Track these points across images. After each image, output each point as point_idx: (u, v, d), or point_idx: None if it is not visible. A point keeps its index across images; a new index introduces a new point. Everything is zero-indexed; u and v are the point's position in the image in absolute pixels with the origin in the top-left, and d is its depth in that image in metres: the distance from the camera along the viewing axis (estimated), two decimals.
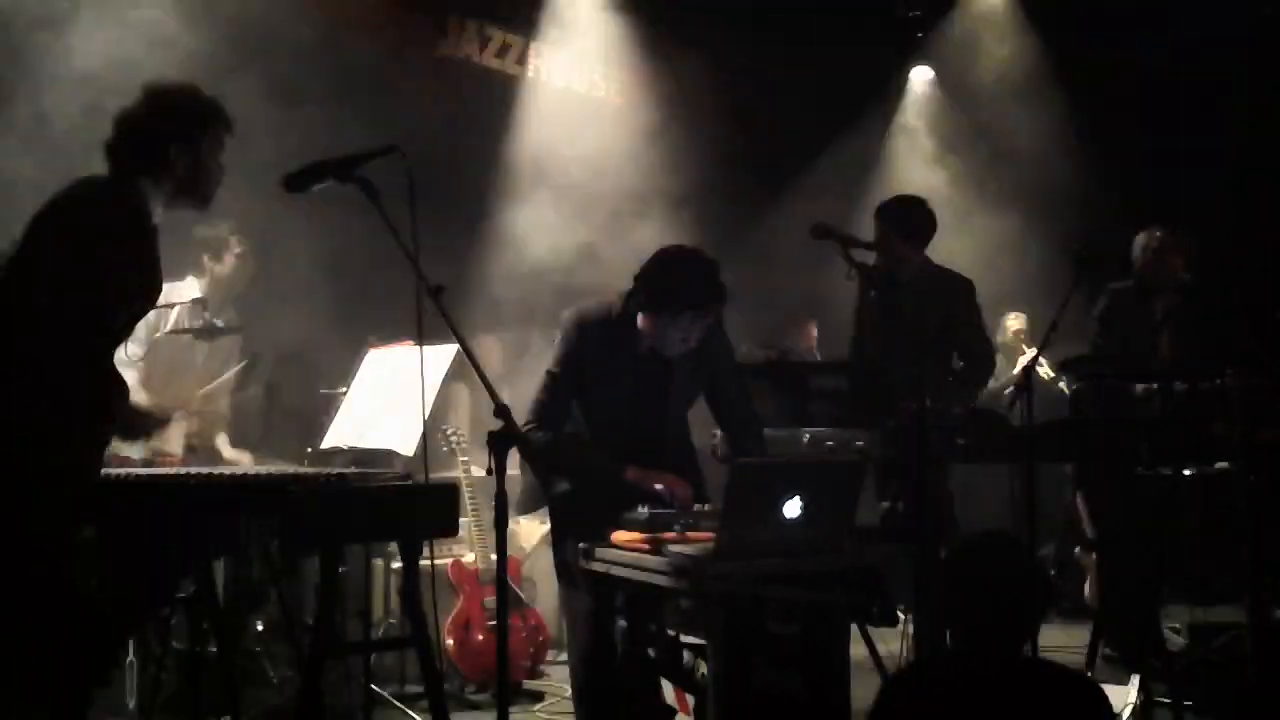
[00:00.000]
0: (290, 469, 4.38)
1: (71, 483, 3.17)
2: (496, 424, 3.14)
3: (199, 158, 3.40)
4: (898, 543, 4.04)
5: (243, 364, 5.43)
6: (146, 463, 4.77)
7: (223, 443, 5.63)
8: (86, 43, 5.53)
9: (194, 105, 3.42)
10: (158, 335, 5.33)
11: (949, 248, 8.70)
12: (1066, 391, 6.83)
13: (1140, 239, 5.90)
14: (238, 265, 5.59)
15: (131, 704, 4.74)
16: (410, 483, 3.90)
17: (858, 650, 3.98)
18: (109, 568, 3.29)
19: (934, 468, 4.39)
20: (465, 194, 7.33)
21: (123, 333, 3.38)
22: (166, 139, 3.35)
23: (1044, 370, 7.08)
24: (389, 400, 4.30)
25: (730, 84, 8.31)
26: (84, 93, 5.15)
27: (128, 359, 5.27)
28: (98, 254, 3.18)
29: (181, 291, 5.44)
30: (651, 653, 3.74)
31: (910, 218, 5.28)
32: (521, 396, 4.04)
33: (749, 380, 4.40)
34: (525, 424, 3.90)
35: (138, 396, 5.27)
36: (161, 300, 5.30)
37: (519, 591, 5.88)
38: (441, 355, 4.17)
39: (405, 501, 3.73)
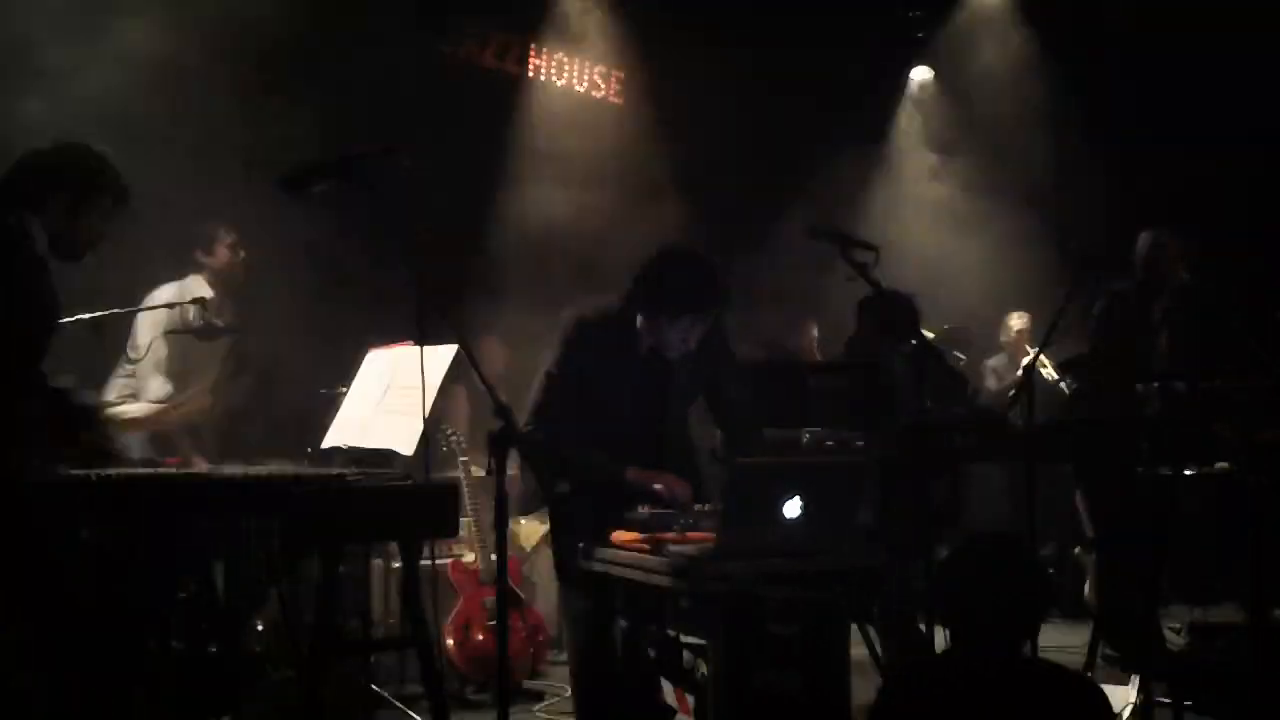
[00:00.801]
0: (290, 469, 4.37)
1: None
2: (496, 424, 3.14)
3: (75, 216, 3.50)
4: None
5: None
6: (147, 463, 4.76)
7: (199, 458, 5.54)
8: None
9: (86, 166, 3.54)
10: (156, 336, 5.32)
11: (951, 249, 8.79)
12: (1068, 391, 6.83)
13: (1142, 239, 5.89)
14: (230, 256, 5.58)
15: (131, 704, 4.72)
16: (410, 483, 3.90)
17: (858, 650, 3.97)
18: (108, 568, 3.29)
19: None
20: (464, 194, 7.32)
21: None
22: (50, 188, 3.47)
23: (1046, 371, 7.07)
24: (389, 400, 4.30)
25: (730, 84, 8.30)
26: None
27: (140, 360, 5.32)
28: None
29: (189, 289, 5.43)
30: (651, 653, 3.74)
31: (891, 312, 4.93)
32: (522, 396, 4.04)
33: (749, 380, 4.39)
34: (525, 424, 3.89)
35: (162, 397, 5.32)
36: (168, 299, 5.37)
37: (519, 591, 5.88)
38: (441, 355, 4.17)
39: (405, 501, 3.73)
